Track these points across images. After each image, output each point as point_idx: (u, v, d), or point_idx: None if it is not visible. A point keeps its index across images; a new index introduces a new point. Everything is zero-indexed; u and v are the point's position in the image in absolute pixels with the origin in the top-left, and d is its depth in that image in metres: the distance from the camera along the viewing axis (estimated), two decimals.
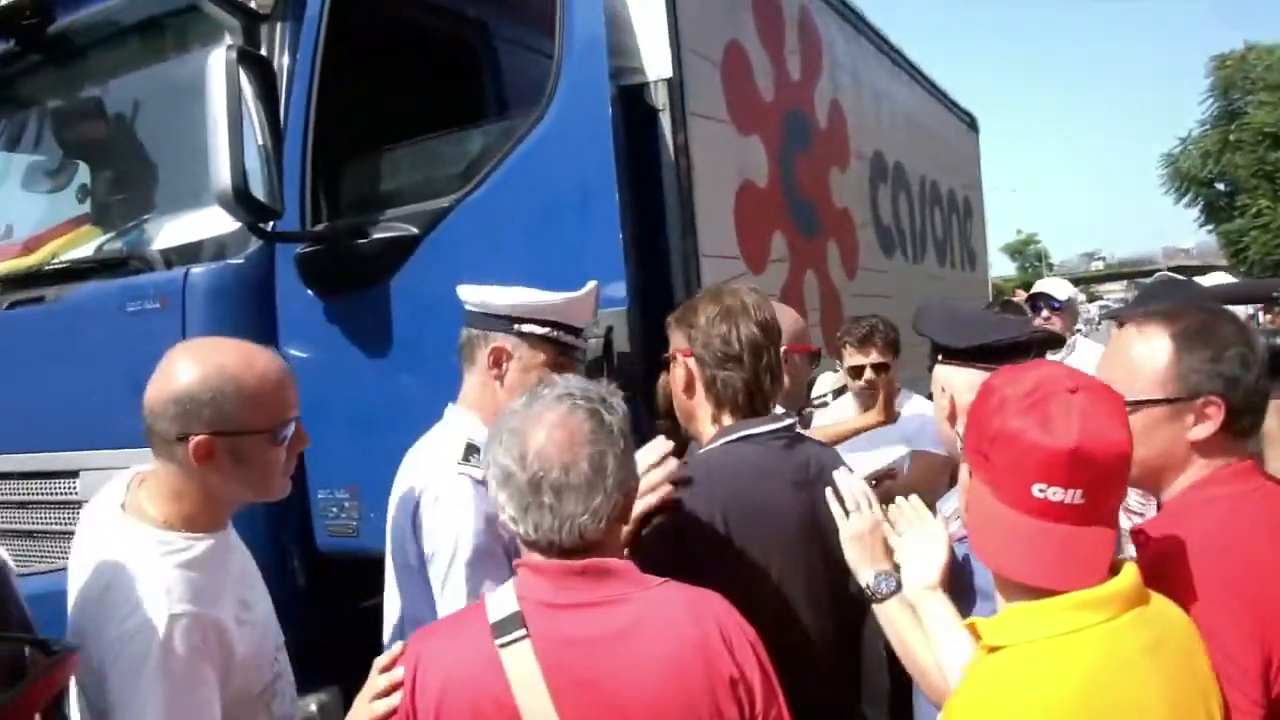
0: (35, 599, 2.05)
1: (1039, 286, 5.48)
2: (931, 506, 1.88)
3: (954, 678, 1.50)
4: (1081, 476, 1.26)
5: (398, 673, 1.48)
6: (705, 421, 2.00)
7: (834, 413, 3.85)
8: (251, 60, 2.75)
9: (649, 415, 2.89)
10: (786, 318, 2.48)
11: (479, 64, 3.78)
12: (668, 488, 1.82)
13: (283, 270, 3.11)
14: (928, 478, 2.95)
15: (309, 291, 3.05)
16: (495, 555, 1.94)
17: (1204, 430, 1.53)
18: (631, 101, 3.09)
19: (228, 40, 3.00)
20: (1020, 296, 7.16)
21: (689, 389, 2.00)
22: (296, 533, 3.02)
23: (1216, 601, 1.38)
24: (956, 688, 1.40)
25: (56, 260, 3.59)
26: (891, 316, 4.86)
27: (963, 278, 7.60)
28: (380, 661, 1.54)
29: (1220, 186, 28.18)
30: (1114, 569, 1.31)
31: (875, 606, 1.78)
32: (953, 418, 1.89)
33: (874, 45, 5.86)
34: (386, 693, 1.48)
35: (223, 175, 2.61)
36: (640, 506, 1.77)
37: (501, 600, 1.48)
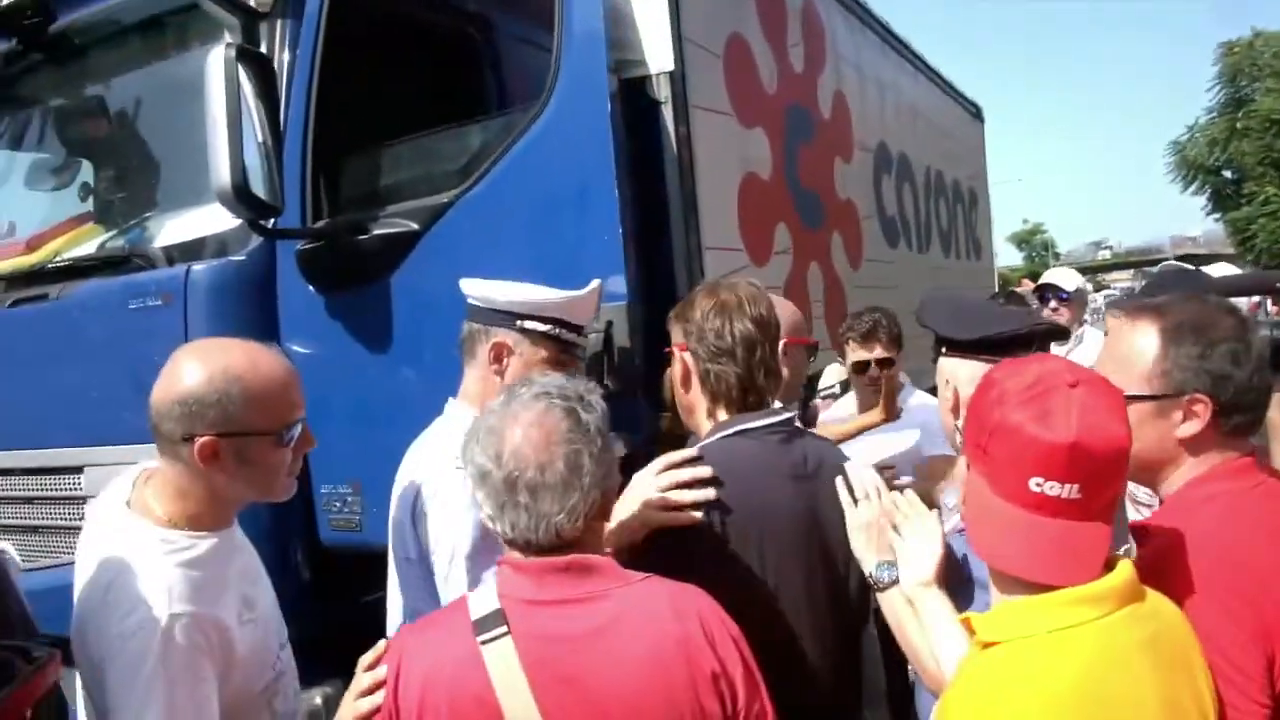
0: (41, 594, 2.06)
1: (1047, 277, 5.43)
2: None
3: (950, 673, 1.50)
4: (1079, 471, 1.25)
5: (381, 671, 1.49)
6: (702, 415, 2.01)
7: (837, 410, 3.83)
8: (251, 58, 2.75)
9: (652, 409, 2.89)
10: (784, 310, 2.47)
11: (479, 59, 3.77)
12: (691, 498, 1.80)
13: (284, 267, 3.11)
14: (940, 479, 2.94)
15: (310, 288, 3.06)
16: (496, 549, 1.93)
17: (1192, 428, 1.52)
18: (633, 95, 3.08)
19: (227, 38, 3.00)
20: (1027, 286, 7.12)
21: (685, 383, 2.01)
22: (300, 527, 3.03)
23: (1216, 601, 1.38)
24: (950, 683, 1.39)
25: (59, 258, 3.60)
26: (896, 307, 4.84)
27: (968, 268, 7.58)
28: (365, 660, 1.54)
29: (1227, 174, 27.99)
30: (1109, 565, 1.30)
31: (878, 595, 1.79)
32: (956, 410, 1.87)
33: (878, 36, 5.84)
34: (370, 691, 1.49)
35: (223, 173, 2.61)
36: (665, 519, 1.77)
37: (483, 598, 1.49)
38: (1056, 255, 59.34)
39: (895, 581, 1.76)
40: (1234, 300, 2.08)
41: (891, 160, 5.70)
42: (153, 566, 1.59)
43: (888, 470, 2.54)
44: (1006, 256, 55.10)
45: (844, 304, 4.60)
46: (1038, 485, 1.26)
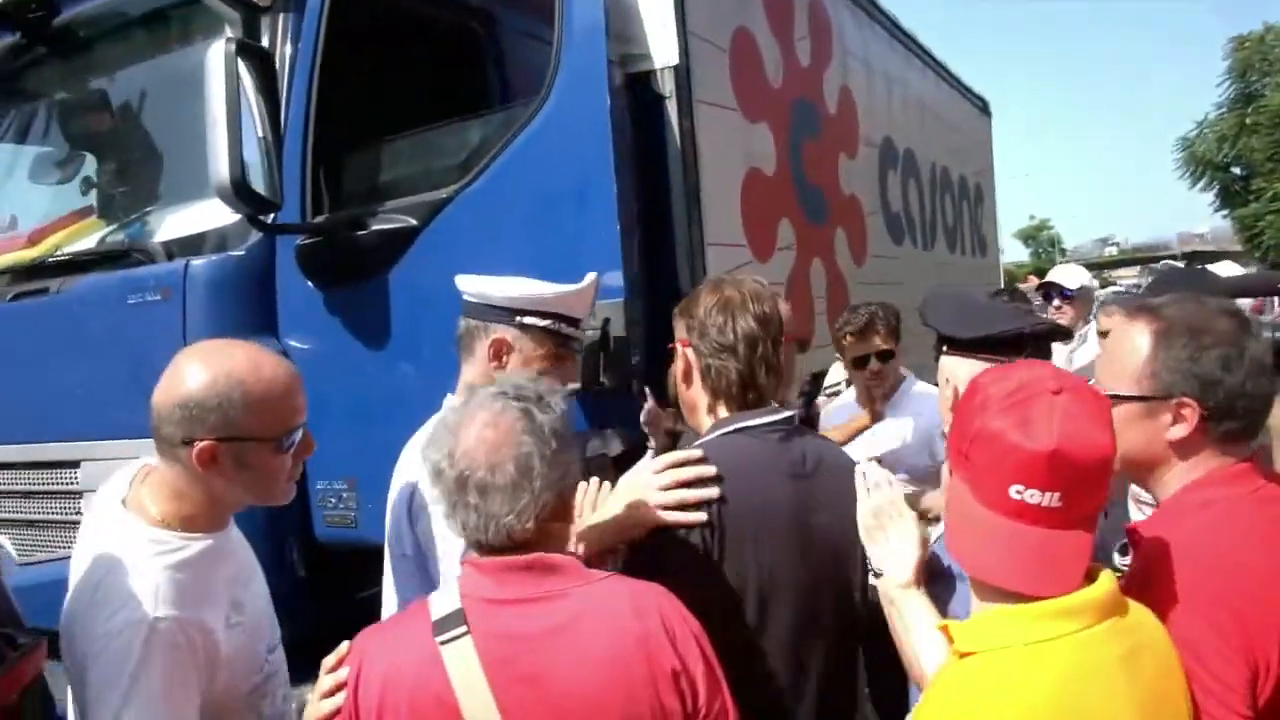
0: (38, 588, 2.05)
1: (1052, 274, 5.37)
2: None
3: (929, 677, 1.49)
4: (1060, 480, 1.23)
5: (342, 672, 1.48)
6: (703, 412, 1.99)
7: (839, 407, 3.80)
8: (251, 52, 2.74)
9: (657, 402, 2.88)
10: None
11: (481, 53, 3.75)
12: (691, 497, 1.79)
13: (283, 262, 3.10)
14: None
15: (309, 283, 3.05)
16: None
17: (1180, 431, 1.50)
18: (638, 89, 3.07)
19: (228, 32, 2.98)
20: (1032, 283, 7.08)
21: (687, 379, 1.99)
22: (295, 523, 3.02)
23: (1200, 610, 1.36)
24: (926, 692, 1.38)
25: (60, 252, 3.60)
26: (900, 304, 4.82)
27: (973, 264, 7.55)
28: (327, 662, 1.54)
29: (1236, 171, 27.89)
30: (1091, 575, 1.28)
31: (876, 582, 1.78)
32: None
33: (885, 31, 5.81)
34: (331, 692, 1.48)
35: (222, 167, 2.60)
36: (665, 519, 1.76)
37: (445, 598, 1.48)
38: (1063, 251, 59.20)
39: None
40: (1237, 301, 2.05)
41: (897, 155, 5.67)
42: (142, 567, 1.58)
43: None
44: (1013, 253, 55.04)
45: (847, 301, 4.57)
46: (1018, 493, 1.25)
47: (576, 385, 2.31)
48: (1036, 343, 1.93)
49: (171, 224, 3.35)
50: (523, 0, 3.74)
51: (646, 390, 2.67)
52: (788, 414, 1.95)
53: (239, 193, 2.64)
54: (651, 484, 1.79)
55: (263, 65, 2.76)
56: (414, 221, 2.87)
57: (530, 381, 1.56)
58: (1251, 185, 27.00)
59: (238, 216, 2.92)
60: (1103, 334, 4.06)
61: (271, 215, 2.87)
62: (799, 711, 1.83)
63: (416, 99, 3.29)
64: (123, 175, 3.83)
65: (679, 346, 2.00)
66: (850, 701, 1.97)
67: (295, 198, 2.95)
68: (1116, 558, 2.09)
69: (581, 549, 1.78)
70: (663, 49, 3.08)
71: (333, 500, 2.98)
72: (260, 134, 2.72)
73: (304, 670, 2.09)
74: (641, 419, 2.70)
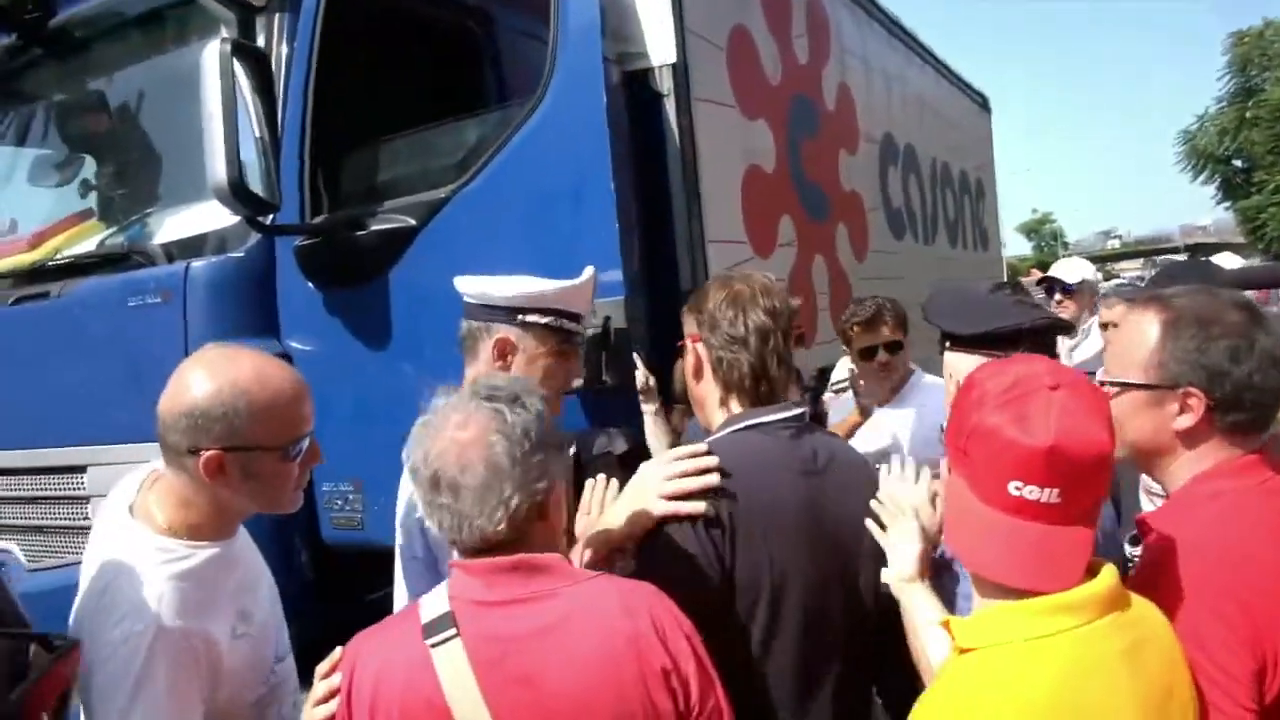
0: (46, 594, 2.05)
1: (1054, 269, 5.37)
2: None
3: (934, 671, 1.50)
4: (1058, 475, 1.23)
5: (336, 678, 1.48)
6: (714, 408, 1.98)
7: (845, 405, 3.78)
8: (247, 53, 2.73)
9: (661, 399, 2.88)
10: None
11: (478, 53, 3.74)
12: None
13: (283, 263, 3.10)
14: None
15: (309, 284, 3.04)
16: None
17: (1186, 421, 1.50)
18: (636, 87, 3.06)
19: (224, 33, 2.97)
20: (1035, 276, 7.06)
21: (698, 374, 1.98)
22: (302, 525, 3.02)
23: (1207, 602, 1.35)
24: (928, 687, 1.38)
25: (60, 256, 3.60)
26: (902, 298, 4.82)
27: (975, 258, 7.55)
28: (321, 668, 1.54)
29: (1237, 163, 27.85)
30: (1093, 570, 1.28)
31: (885, 577, 1.79)
32: None
33: (884, 28, 5.81)
34: (325, 699, 1.48)
35: (219, 169, 2.60)
36: (671, 509, 1.76)
37: (434, 601, 1.48)
38: (1065, 245, 59.14)
39: None
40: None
41: (897, 151, 5.66)
42: (147, 576, 1.58)
43: None
44: (1015, 246, 54.97)
45: (849, 296, 4.56)
46: (1017, 489, 1.24)
47: (581, 380, 2.30)
48: (1038, 337, 1.93)
49: (171, 226, 3.34)
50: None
51: (637, 356, 2.67)
52: (799, 411, 1.95)
53: (236, 194, 2.63)
54: (657, 476, 1.79)
55: (259, 65, 2.75)
56: (412, 221, 2.87)
57: (508, 381, 1.55)
58: (1253, 178, 26.97)
59: (237, 218, 2.91)
60: (1104, 326, 4.06)
61: (270, 216, 2.87)
62: (812, 709, 1.83)
63: (413, 98, 3.28)
64: (121, 177, 3.82)
65: (689, 342, 1.99)
66: (863, 698, 1.96)
67: (294, 198, 2.94)
68: (1127, 548, 2.09)
69: (589, 554, 1.77)
70: (660, 47, 3.08)
71: (339, 502, 2.98)
72: (257, 134, 2.71)
73: (313, 674, 2.10)
74: (636, 384, 2.71)
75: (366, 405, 2.94)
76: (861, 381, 3.46)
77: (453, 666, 1.39)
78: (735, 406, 1.93)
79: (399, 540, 2.14)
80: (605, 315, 2.54)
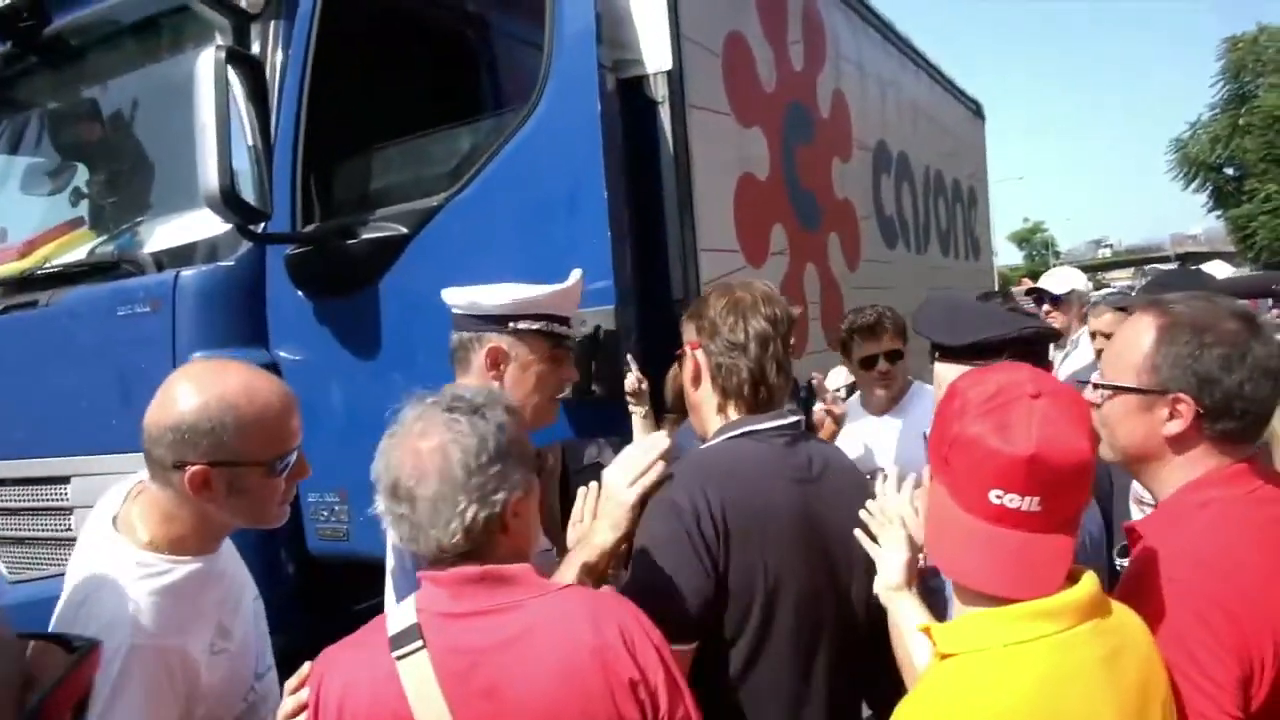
0: (26, 606, 2.02)
1: (1043, 280, 5.38)
2: None
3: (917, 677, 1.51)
4: (1039, 484, 1.23)
5: (304, 693, 1.47)
6: (711, 414, 1.99)
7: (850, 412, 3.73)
8: (241, 60, 2.71)
9: (649, 407, 2.86)
10: None
11: (474, 60, 3.74)
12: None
13: (273, 272, 3.07)
14: None
15: (299, 293, 3.02)
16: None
17: (1175, 427, 1.50)
18: (631, 94, 3.06)
19: (218, 40, 2.96)
20: (1025, 285, 7.08)
21: (696, 380, 2.00)
22: (288, 537, 2.98)
23: (1195, 611, 1.36)
24: (909, 692, 1.39)
25: (49, 264, 3.57)
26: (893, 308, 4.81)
27: (967, 268, 7.55)
28: (290, 683, 1.53)
29: (1229, 172, 27.97)
30: (1073, 578, 1.29)
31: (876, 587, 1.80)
32: None
33: (879, 34, 5.81)
34: (294, 714, 1.47)
35: (211, 177, 2.58)
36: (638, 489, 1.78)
37: (401, 613, 1.47)
38: (1057, 254, 59.32)
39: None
40: None
41: (891, 159, 5.66)
42: (126, 590, 1.56)
43: None
44: (1007, 255, 55.13)
45: (841, 305, 4.56)
46: (997, 497, 1.25)
47: (575, 378, 2.30)
48: (1027, 346, 1.93)
49: (161, 234, 3.32)
50: (514, 5, 3.73)
51: (630, 358, 2.66)
52: (794, 419, 1.95)
53: (228, 202, 2.61)
54: (622, 483, 1.80)
55: (253, 73, 2.73)
56: (404, 230, 2.84)
57: (475, 392, 1.54)
58: (1244, 186, 27.08)
59: (227, 226, 2.89)
60: (1093, 335, 4.07)
61: (261, 225, 2.85)
62: (803, 716, 1.82)
63: (407, 105, 3.27)
64: (113, 185, 3.80)
65: (688, 349, 2.00)
66: (854, 706, 1.96)
67: (285, 207, 2.92)
68: (1117, 560, 2.08)
69: (575, 573, 1.76)
70: (655, 54, 3.08)
71: (325, 513, 2.95)
72: (250, 142, 2.69)
73: None
74: (626, 387, 2.70)
75: (354, 415, 2.92)
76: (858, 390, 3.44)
77: (419, 679, 1.38)
78: (732, 413, 1.94)
79: (390, 562, 2.13)
80: (596, 324, 2.53)
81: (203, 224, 3.05)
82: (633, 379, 2.72)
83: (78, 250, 3.59)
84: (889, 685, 1.75)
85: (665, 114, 3.10)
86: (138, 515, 1.66)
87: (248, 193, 2.68)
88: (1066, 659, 1.22)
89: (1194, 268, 4.62)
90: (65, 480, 3.17)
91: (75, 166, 3.96)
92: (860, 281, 4.85)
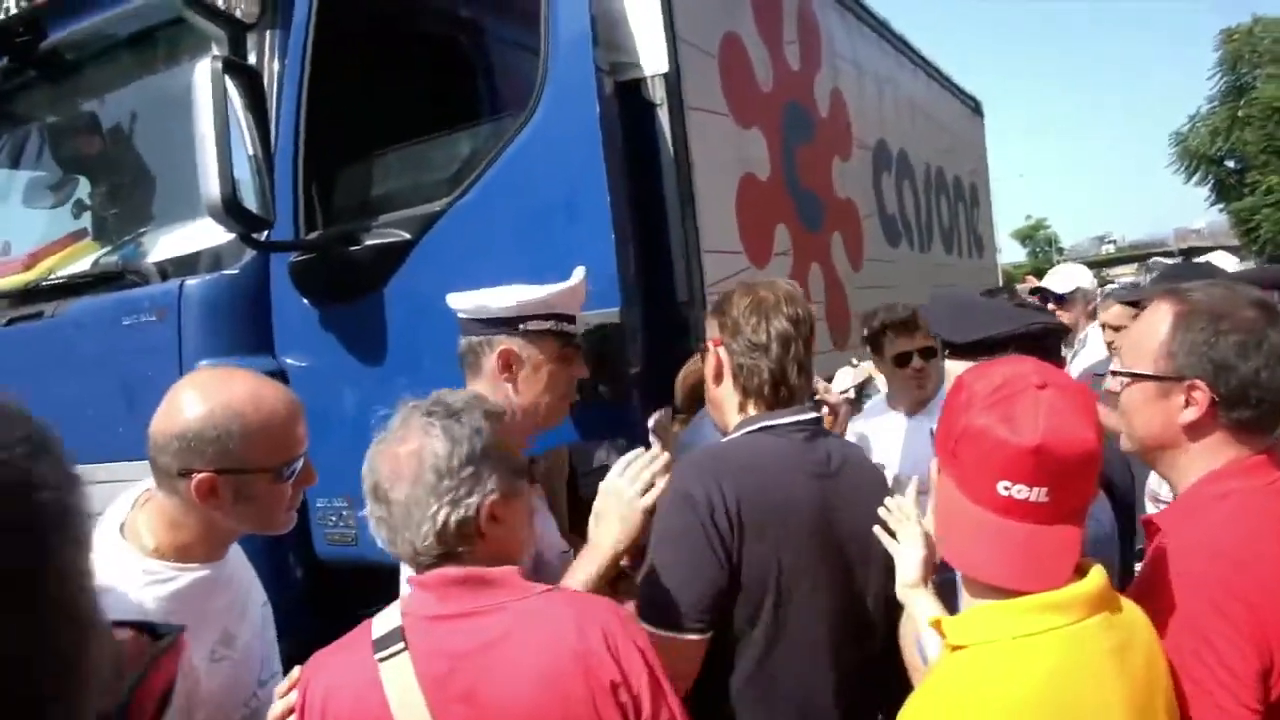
0: None
1: (1047, 278, 5.35)
2: None
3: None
4: (1046, 474, 1.24)
5: (293, 696, 1.48)
6: (731, 411, 2.02)
7: (870, 413, 3.63)
8: (238, 70, 2.72)
9: (650, 414, 2.86)
10: None
11: (471, 65, 3.74)
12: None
13: (277, 279, 3.08)
14: None
15: (304, 300, 3.02)
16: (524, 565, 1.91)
17: (1191, 414, 1.50)
18: (628, 97, 3.06)
19: (214, 50, 2.97)
20: (1030, 283, 7.08)
21: (718, 377, 2.02)
22: (296, 541, 2.98)
23: (1214, 604, 1.36)
24: (919, 685, 1.39)
25: (54, 276, 3.58)
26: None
27: (971, 265, 7.54)
28: (279, 688, 1.54)
29: (1230, 164, 27.93)
30: (1082, 570, 1.29)
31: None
32: None
33: (876, 33, 5.81)
34: (283, 717, 1.48)
35: (212, 186, 2.58)
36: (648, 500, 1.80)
37: (386, 617, 1.48)
38: (1060, 251, 59.22)
39: None
40: None
41: (891, 158, 5.66)
42: (131, 597, 1.56)
43: None
44: (1010, 253, 55.06)
45: (845, 305, 4.56)
46: (1005, 489, 1.26)
47: (585, 375, 2.31)
48: (1035, 342, 1.93)
49: (165, 244, 3.33)
50: (510, 11, 3.73)
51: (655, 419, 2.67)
52: (814, 415, 1.97)
53: (230, 211, 2.62)
54: (629, 491, 1.82)
55: (250, 82, 2.74)
56: (407, 235, 2.85)
57: (456, 396, 1.56)
58: (1246, 178, 27.04)
59: (230, 235, 2.90)
60: (1104, 327, 4.06)
61: (264, 233, 2.85)
62: (817, 709, 1.83)
63: (405, 112, 3.27)
64: (115, 197, 3.81)
65: (710, 346, 2.03)
66: (869, 702, 1.96)
67: (288, 214, 2.93)
68: (1139, 567, 2.09)
69: (593, 573, 1.79)
70: (652, 56, 3.08)
71: (333, 518, 2.95)
72: (250, 151, 2.70)
73: None
74: (650, 424, 2.70)
75: (361, 421, 2.91)
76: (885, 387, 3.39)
77: (401, 682, 1.39)
78: (752, 410, 1.97)
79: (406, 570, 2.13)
80: (601, 326, 2.53)
81: (206, 233, 3.05)
82: (658, 417, 2.72)
83: (82, 262, 3.60)
84: (901, 683, 1.76)
85: (663, 116, 3.10)
86: (144, 523, 1.67)
87: (250, 201, 2.68)
88: (1076, 651, 1.23)
89: (1204, 261, 4.61)
90: None
91: (77, 179, 3.97)
92: (864, 281, 4.85)
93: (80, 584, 0.49)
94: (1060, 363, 2.13)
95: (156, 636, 1.14)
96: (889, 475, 2.57)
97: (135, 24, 3.52)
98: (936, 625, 1.38)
